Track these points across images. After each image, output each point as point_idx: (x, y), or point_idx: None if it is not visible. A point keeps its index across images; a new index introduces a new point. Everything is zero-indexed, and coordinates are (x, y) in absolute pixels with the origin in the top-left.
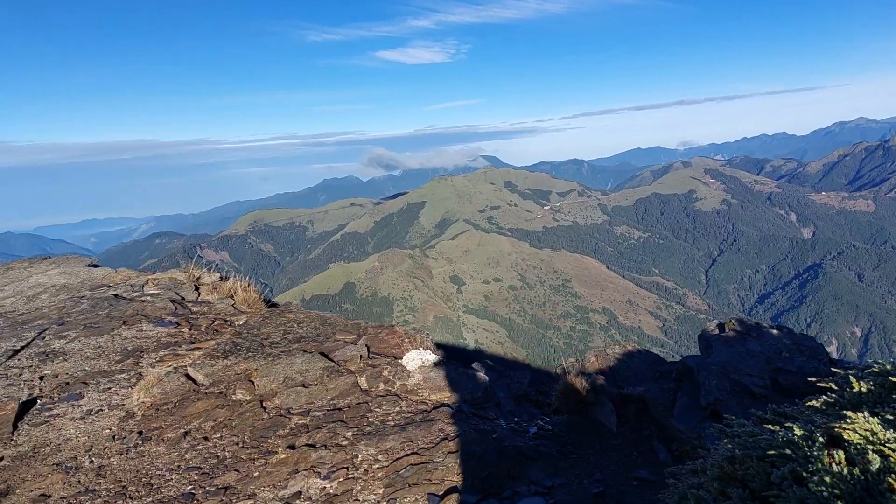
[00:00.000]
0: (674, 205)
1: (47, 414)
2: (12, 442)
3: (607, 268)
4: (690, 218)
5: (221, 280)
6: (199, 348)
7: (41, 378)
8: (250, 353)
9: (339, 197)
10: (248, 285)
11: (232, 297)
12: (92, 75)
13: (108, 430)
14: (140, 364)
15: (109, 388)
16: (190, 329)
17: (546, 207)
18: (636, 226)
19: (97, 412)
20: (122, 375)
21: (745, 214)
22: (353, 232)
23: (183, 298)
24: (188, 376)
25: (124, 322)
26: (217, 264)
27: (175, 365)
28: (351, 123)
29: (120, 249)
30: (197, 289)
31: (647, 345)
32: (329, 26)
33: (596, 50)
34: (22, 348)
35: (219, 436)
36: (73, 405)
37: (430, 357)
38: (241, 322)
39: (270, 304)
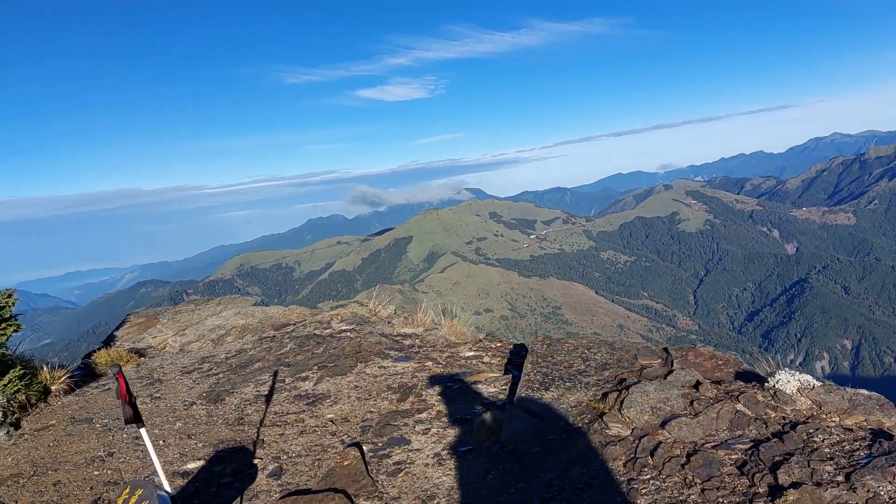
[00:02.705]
0: (658, 227)
1: (390, 461)
2: (383, 493)
3: (596, 293)
4: (675, 240)
5: (395, 314)
6: (478, 381)
7: (332, 421)
8: (569, 383)
9: (325, 236)
10: (454, 318)
11: (432, 329)
12: (71, 127)
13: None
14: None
15: (428, 430)
16: (433, 363)
17: (532, 236)
18: (622, 250)
19: (446, 455)
20: (424, 414)
21: (729, 233)
22: (341, 270)
23: (382, 333)
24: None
25: (357, 360)
26: None
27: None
28: (335, 162)
29: (105, 300)
30: (389, 322)
31: None
32: (307, 67)
33: (572, 79)
34: (270, 394)
35: (658, 477)
36: (407, 449)
37: (811, 379)
38: (469, 354)
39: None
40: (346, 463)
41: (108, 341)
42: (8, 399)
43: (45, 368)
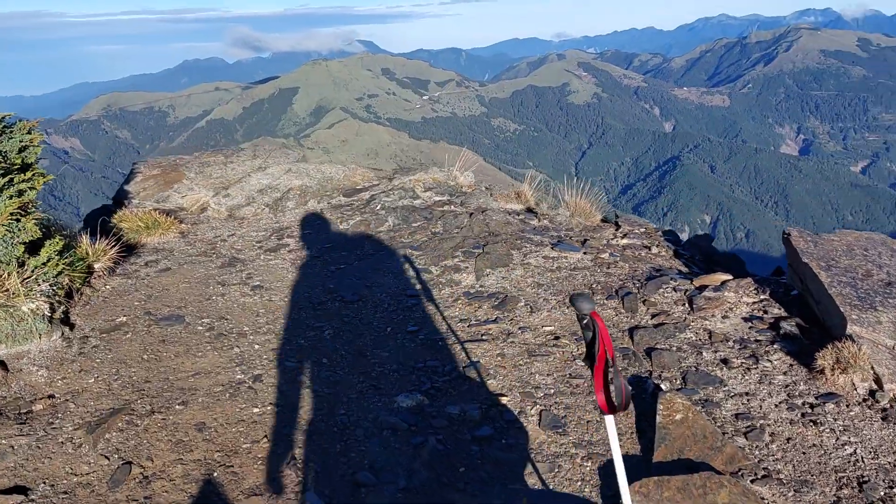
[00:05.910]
0: (548, 97)
1: (723, 412)
2: (771, 471)
3: (485, 160)
4: (564, 111)
5: (477, 182)
6: (719, 286)
7: (556, 338)
8: (893, 300)
9: (203, 80)
10: (581, 195)
11: (546, 207)
12: None
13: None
14: (701, 305)
15: (727, 361)
16: (608, 255)
17: (425, 97)
18: (512, 118)
19: (806, 407)
20: (689, 334)
21: (614, 108)
22: (220, 118)
23: (503, 210)
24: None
25: (509, 246)
26: (67, 151)
27: (725, 311)
28: None
29: None
30: (490, 195)
31: None
32: None
33: None
34: (426, 290)
35: None
36: (730, 394)
37: None
38: (625, 242)
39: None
40: (676, 417)
41: (121, 198)
42: (51, 284)
43: (84, 238)
